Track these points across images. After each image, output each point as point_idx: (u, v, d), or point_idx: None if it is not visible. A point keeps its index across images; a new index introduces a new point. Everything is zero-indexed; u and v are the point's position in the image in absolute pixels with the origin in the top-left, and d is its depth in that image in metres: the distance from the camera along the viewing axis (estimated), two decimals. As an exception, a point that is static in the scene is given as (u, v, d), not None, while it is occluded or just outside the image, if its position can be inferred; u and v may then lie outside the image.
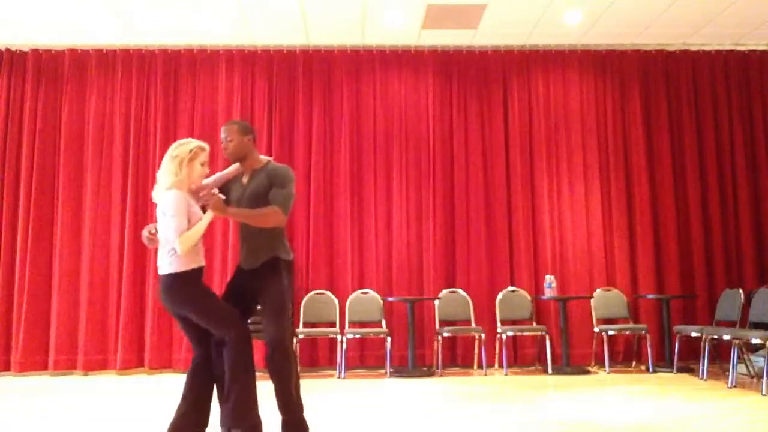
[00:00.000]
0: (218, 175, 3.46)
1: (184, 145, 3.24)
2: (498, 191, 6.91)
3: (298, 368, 3.27)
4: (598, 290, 6.72)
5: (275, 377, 3.17)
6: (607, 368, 6.28)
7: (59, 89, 6.88)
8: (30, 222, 6.59)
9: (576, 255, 6.85)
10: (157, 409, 4.50)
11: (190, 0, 6.00)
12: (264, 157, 3.44)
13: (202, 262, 3.20)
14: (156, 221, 3.20)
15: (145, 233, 3.27)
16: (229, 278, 3.71)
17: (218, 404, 3.18)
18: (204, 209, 3.25)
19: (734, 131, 7.10)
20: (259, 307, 3.31)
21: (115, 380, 6.11)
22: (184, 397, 3.17)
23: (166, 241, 3.11)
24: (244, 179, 3.39)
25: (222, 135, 3.38)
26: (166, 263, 3.11)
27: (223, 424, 3.12)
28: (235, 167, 3.45)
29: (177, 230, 3.05)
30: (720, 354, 6.40)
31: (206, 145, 3.30)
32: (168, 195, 3.12)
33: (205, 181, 3.36)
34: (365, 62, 7.07)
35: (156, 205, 3.20)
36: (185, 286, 3.11)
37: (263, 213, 3.19)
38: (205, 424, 3.19)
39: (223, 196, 3.19)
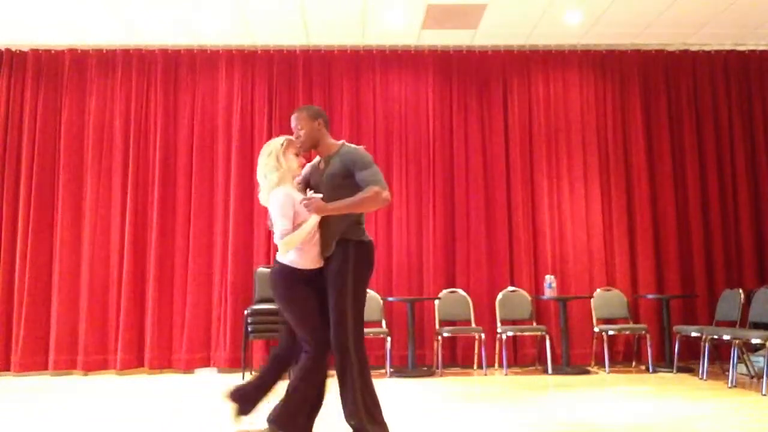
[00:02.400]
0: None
1: (273, 142, 3.28)
2: (498, 191, 6.90)
3: (367, 372, 3.13)
4: (598, 290, 6.72)
5: (339, 383, 3.10)
6: (607, 368, 6.27)
7: (59, 89, 6.88)
8: (30, 222, 6.59)
9: (576, 255, 6.85)
10: (157, 409, 4.49)
11: (190, 0, 6.00)
12: (336, 142, 3.33)
13: (309, 266, 3.16)
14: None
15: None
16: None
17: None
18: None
19: (734, 131, 7.10)
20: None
21: (115, 380, 6.11)
22: (257, 377, 3.26)
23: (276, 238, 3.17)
24: (321, 165, 3.28)
25: (292, 124, 3.31)
26: (277, 257, 3.18)
27: (269, 417, 3.15)
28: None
29: (281, 232, 3.07)
30: (720, 354, 6.40)
31: (290, 137, 3.31)
32: (274, 194, 3.14)
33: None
34: (365, 62, 7.07)
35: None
36: (286, 278, 3.13)
37: (365, 197, 3.07)
38: (258, 403, 3.26)
39: (320, 195, 3.13)
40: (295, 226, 3.10)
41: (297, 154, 3.26)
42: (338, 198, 3.12)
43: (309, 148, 3.30)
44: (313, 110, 3.30)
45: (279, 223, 3.08)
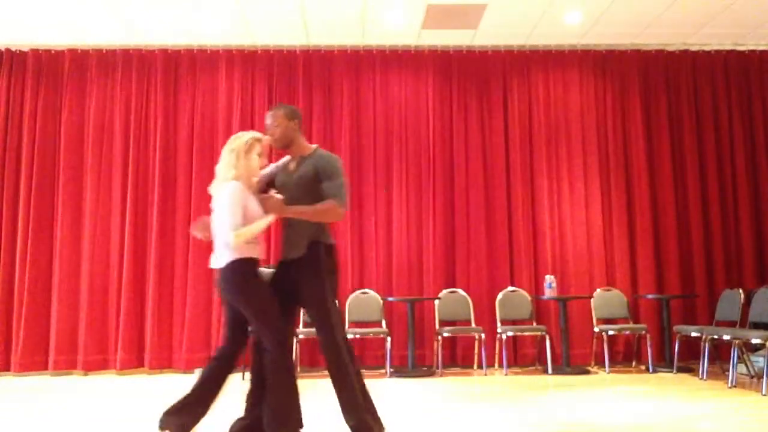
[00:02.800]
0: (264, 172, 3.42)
1: (240, 138, 3.25)
2: (498, 191, 6.91)
3: (359, 369, 3.21)
4: (598, 290, 6.72)
5: (332, 381, 3.13)
6: (607, 368, 6.27)
7: (59, 89, 6.88)
8: (30, 222, 6.59)
9: (576, 255, 6.85)
10: (157, 409, 4.49)
11: (190, 0, 6.00)
12: (309, 144, 3.35)
13: (257, 255, 3.17)
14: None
15: (198, 226, 3.27)
16: None
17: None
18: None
19: (734, 131, 7.10)
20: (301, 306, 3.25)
21: (115, 380, 6.10)
22: (196, 387, 3.16)
23: (221, 233, 3.12)
24: (291, 165, 3.30)
25: (268, 121, 3.31)
26: (221, 255, 3.14)
27: (266, 427, 3.10)
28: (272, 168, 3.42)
29: (231, 225, 3.05)
30: (720, 354, 6.40)
31: (262, 136, 3.29)
32: (225, 187, 3.14)
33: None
34: (365, 62, 7.07)
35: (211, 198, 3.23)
36: (240, 273, 3.11)
37: (323, 209, 3.13)
38: (203, 415, 3.18)
39: (281, 197, 3.16)
40: (243, 223, 3.10)
41: (260, 154, 3.24)
42: (305, 199, 3.17)
43: (282, 147, 3.32)
44: (290, 110, 3.32)
45: (230, 215, 3.06)
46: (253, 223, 3.11)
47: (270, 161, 3.49)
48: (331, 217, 3.17)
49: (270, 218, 3.14)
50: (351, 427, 3.13)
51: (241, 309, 3.14)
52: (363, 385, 3.20)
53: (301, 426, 3.17)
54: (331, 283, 3.19)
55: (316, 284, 3.14)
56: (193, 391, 3.17)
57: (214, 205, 3.19)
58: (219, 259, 3.15)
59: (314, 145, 3.36)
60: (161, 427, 3.11)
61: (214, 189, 3.24)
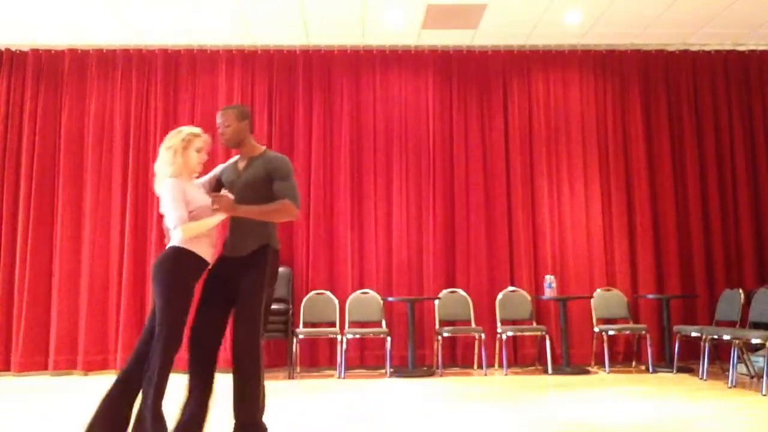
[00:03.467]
0: (211, 174, 3.43)
1: (176, 135, 3.23)
2: (498, 191, 6.91)
3: (263, 371, 3.19)
4: (598, 290, 6.72)
5: (240, 382, 3.10)
6: (607, 368, 6.27)
7: (59, 89, 6.88)
8: (30, 222, 6.59)
9: (576, 255, 6.85)
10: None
11: (190, 0, 6.00)
12: (259, 145, 3.38)
13: (204, 255, 3.15)
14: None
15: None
16: None
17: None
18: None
19: (734, 131, 7.10)
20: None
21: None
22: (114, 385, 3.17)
23: (168, 229, 3.13)
24: (240, 165, 3.32)
25: (218, 120, 3.32)
26: (172, 241, 3.12)
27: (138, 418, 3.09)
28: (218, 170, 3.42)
29: (177, 219, 3.03)
30: (720, 354, 6.41)
31: (199, 130, 3.28)
32: (164, 184, 3.12)
33: (199, 181, 3.34)
34: (365, 62, 7.07)
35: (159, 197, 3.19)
36: (173, 260, 3.05)
37: (276, 209, 3.15)
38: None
39: (232, 196, 3.17)
40: (192, 214, 3.09)
41: (199, 150, 3.23)
42: (254, 199, 3.19)
43: (233, 146, 3.32)
44: (241, 110, 3.33)
45: (174, 211, 3.03)
46: (202, 220, 3.09)
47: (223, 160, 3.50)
48: (285, 216, 3.20)
49: (221, 216, 3.13)
50: (243, 425, 3.12)
51: (156, 291, 3.05)
52: (264, 389, 3.21)
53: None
54: (268, 291, 3.20)
55: (256, 283, 3.15)
56: (110, 398, 3.15)
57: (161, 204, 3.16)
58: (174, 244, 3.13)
59: (263, 146, 3.39)
60: None
61: (156, 188, 3.20)
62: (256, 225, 3.20)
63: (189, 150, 3.20)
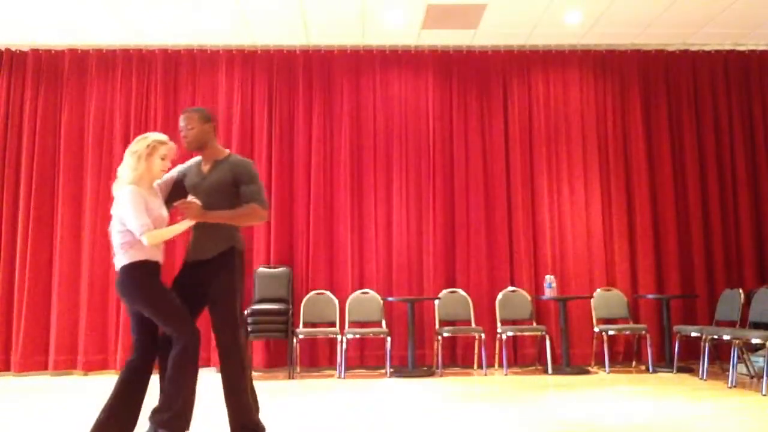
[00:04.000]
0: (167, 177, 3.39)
1: (142, 141, 3.23)
2: (498, 191, 6.91)
3: (251, 370, 3.23)
4: (598, 290, 6.72)
5: (227, 382, 3.13)
6: (607, 368, 6.27)
7: (59, 89, 6.88)
8: (30, 222, 6.59)
9: (576, 255, 6.85)
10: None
11: (190, 0, 6.00)
12: (223, 149, 3.37)
13: (160, 258, 3.16)
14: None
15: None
16: None
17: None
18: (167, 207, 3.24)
19: (734, 131, 7.10)
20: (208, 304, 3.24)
21: (115, 380, 6.08)
22: (113, 399, 3.13)
23: (118, 234, 3.10)
24: (204, 168, 3.31)
25: (181, 123, 3.31)
26: (120, 257, 3.10)
27: (157, 422, 3.05)
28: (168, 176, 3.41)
29: (141, 227, 3.02)
30: (720, 354, 6.40)
31: (165, 138, 3.28)
32: (124, 191, 3.10)
33: (157, 182, 3.31)
34: (365, 62, 7.07)
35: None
36: (140, 276, 3.08)
37: (246, 213, 3.18)
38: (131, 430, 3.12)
39: (199, 202, 3.17)
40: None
41: (164, 158, 3.22)
42: (219, 204, 3.19)
43: (194, 149, 3.32)
44: (205, 113, 3.33)
45: (137, 219, 3.03)
46: (169, 227, 3.11)
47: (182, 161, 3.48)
48: (254, 220, 3.23)
49: (189, 222, 3.13)
50: (242, 425, 3.13)
51: (145, 312, 3.08)
52: (253, 388, 3.23)
53: (188, 427, 3.11)
54: (240, 286, 3.24)
55: (228, 285, 3.17)
56: (111, 407, 3.13)
57: (113, 207, 3.15)
58: (119, 261, 3.11)
59: (227, 150, 3.38)
60: None
61: (114, 190, 3.20)
62: (220, 228, 3.21)
63: (154, 156, 3.20)
